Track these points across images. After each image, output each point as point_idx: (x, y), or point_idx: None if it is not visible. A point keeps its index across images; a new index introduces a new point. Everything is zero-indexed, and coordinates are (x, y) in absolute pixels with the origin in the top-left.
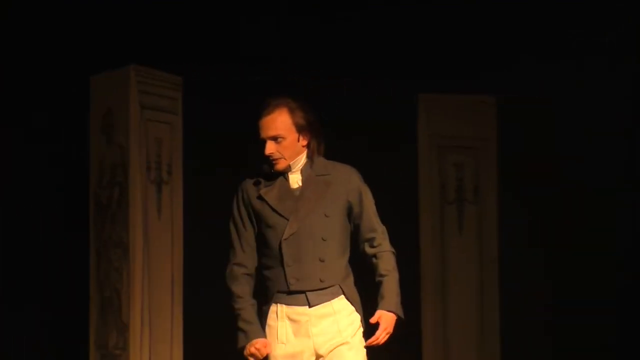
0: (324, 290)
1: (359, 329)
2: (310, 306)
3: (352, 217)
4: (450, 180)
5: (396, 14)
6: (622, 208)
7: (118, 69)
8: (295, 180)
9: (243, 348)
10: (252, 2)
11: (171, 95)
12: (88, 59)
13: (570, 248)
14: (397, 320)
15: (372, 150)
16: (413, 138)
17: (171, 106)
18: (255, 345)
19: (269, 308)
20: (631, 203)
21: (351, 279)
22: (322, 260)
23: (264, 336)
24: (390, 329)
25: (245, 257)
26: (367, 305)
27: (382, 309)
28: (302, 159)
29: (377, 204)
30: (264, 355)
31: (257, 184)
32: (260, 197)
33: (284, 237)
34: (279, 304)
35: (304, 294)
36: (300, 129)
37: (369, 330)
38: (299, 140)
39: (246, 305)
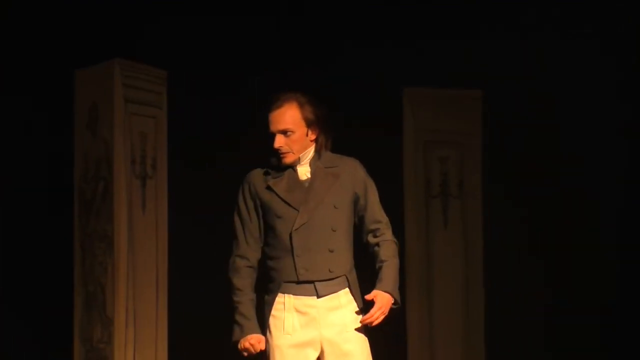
0: (332, 281)
1: (362, 325)
2: (318, 296)
3: (357, 208)
4: (435, 174)
5: (378, 5)
6: (611, 203)
7: (103, 63)
8: (303, 172)
9: (237, 342)
10: None
11: (156, 90)
12: (73, 52)
13: (557, 242)
14: (392, 304)
15: (357, 145)
16: (398, 132)
17: (156, 100)
18: (250, 341)
19: (274, 298)
20: (620, 197)
21: (354, 270)
22: (331, 251)
23: (260, 332)
24: (386, 310)
25: (248, 249)
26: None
27: (379, 289)
28: (310, 153)
29: None
30: (258, 351)
31: (264, 175)
32: (269, 188)
33: (295, 227)
34: (286, 295)
35: (313, 284)
36: (309, 124)
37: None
38: (307, 135)
39: (245, 300)
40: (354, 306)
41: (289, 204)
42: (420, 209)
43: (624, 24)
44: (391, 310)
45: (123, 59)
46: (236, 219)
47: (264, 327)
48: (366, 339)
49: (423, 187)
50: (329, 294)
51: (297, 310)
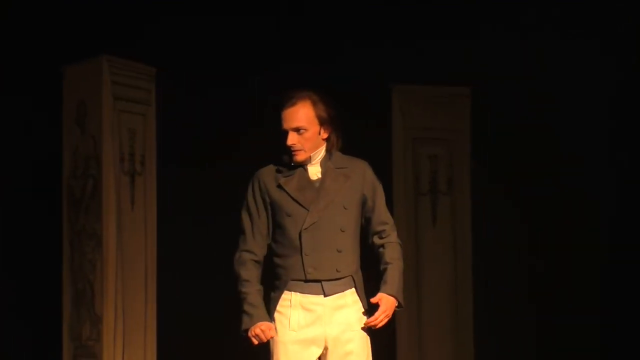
0: (339, 280)
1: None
2: (325, 295)
3: (365, 210)
4: (424, 171)
5: (378, 5)
6: (603, 200)
7: (91, 60)
8: (314, 172)
9: (246, 330)
10: None
11: (144, 86)
12: (61, 49)
13: (546, 239)
14: (396, 307)
15: (346, 142)
16: (387, 129)
17: (144, 97)
18: (260, 327)
19: (279, 295)
20: (613, 196)
21: (360, 271)
22: (339, 251)
23: (269, 320)
24: (390, 313)
25: (255, 245)
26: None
27: (384, 292)
28: (322, 152)
29: None
30: (268, 338)
31: (275, 173)
32: (279, 186)
33: (305, 226)
34: (293, 292)
35: (320, 283)
36: (322, 122)
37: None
38: (320, 133)
39: (252, 290)
40: (359, 306)
41: (299, 203)
42: (409, 206)
43: (624, 24)
44: (394, 312)
45: (111, 55)
46: (244, 214)
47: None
48: (368, 339)
49: (412, 184)
50: (336, 294)
51: (304, 308)
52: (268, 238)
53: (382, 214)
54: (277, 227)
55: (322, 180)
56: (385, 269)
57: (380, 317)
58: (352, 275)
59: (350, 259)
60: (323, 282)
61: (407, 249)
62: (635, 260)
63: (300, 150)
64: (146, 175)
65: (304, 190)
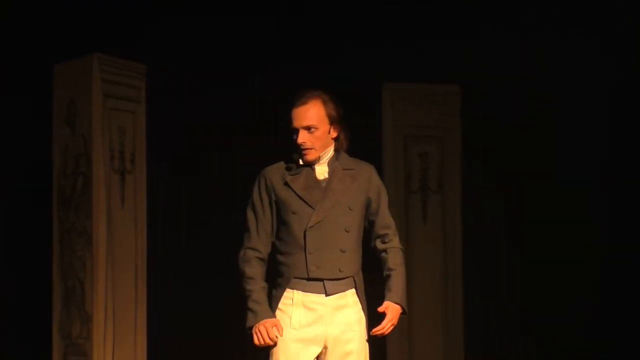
0: (341, 280)
1: (365, 326)
2: (327, 295)
3: (369, 212)
4: (415, 169)
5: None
6: (593, 198)
7: (81, 58)
8: (321, 171)
9: (251, 328)
10: None
11: (135, 84)
12: (51, 47)
13: (536, 237)
14: (401, 314)
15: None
16: (378, 127)
17: (134, 95)
18: (265, 324)
19: (281, 293)
20: (603, 192)
21: (361, 272)
22: (343, 251)
23: (274, 317)
24: (395, 321)
25: (259, 242)
26: (371, 300)
27: (390, 300)
28: (330, 152)
29: None
30: (273, 338)
31: (282, 171)
32: (286, 184)
33: (310, 225)
34: (295, 290)
35: (322, 282)
36: (332, 121)
37: (374, 320)
38: (329, 132)
39: (257, 287)
40: (359, 307)
41: (305, 202)
42: (400, 204)
43: (624, 24)
44: (399, 318)
45: (101, 53)
46: (250, 212)
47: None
48: (366, 339)
49: (403, 182)
50: (337, 293)
51: (305, 307)
52: (272, 236)
53: (385, 218)
54: (281, 224)
55: (329, 180)
56: (389, 275)
57: (387, 326)
58: (353, 276)
59: (352, 260)
60: (325, 281)
61: None
62: (629, 259)
63: (310, 149)
64: (136, 173)
65: (310, 189)
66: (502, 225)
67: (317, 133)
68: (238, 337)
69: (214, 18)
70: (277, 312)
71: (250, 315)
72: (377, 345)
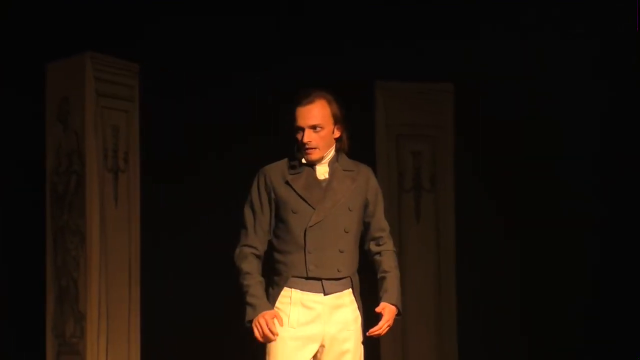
0: (338, 280)
1: (360, 325)
2: (325, 294)
3: (365, 214)
4: (408, 168)
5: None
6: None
7: (74, 56)
8: (322, 171)
9: (250, 321)
10: None
11: (128, 83)
12: (44, 46)
13: (530, 236)
14: (396, 315)
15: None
16: (370, 126)
17: (128, 94)
18: (265, 316)
19: (279, 292)
20: (596, 190)
21: (357, 273)
22: (341, 251)
23: (272, 309)
24: (391, 322)
25: (256, 240)
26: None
27: (386, 302)
28: (332, 152)
29: None
30: (273, 327)
31: (282, 170)
32: (287, 183)
33: (310, 224)
34: (293, 289)
35: (320, 281)
36: (336, 121)
37: (369, 320)
38: (333, 132)
39: (254, 282)
40: (355, 307)
41: (306, 201)
42: (393, 203)
43: (624, 24)
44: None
45: (94, 52)
46: (248, 210)
47: None
48: (361, 339)
49: (396, 181)
50: (335, 293)
51: (303, 305)
52: (269, 234)
53: (381, 221)
54: (280, 223)
55: (329, 180)
56: (384, 277)
57: (384, 327)
58: (350, 277)
59: (350, 260)
60: (324, 281)
61: None
62: (624, 258)
63: (315, 148)
64: (129, 172)
65: (311, 188)
66: (495, 224)
67: (323, 132)
68: (233, 336)
69: (210, 17)
70: (275, 311)
71: (249, 310)
72: (371, 344)
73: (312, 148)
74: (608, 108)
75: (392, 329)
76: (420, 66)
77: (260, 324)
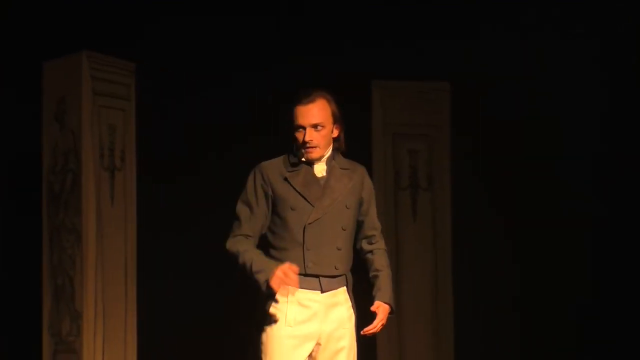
0: (335, 278)
1: (354, 323)
2: (322, 291)
3: (359, 213)
4: (404, 166)
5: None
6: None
7: (70, 55)
8: (320, 169)
9: (267, 282)
10: None
11: (124, 82)
12: (41, 45)
13: (527, 235)
14: (389, 313)
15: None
16: (367, 125)
17: (124, 92)
18: (281, 269)
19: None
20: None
21: (350, 272)
22: (339, 249)
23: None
24: (385, 320)
25: (249, 230)
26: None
27: (380, 300)
28: (329, 151)
29: None
30: (292, 275)
31: (280, 167)
32: (286, 180)
33: (309, 221)
34: (290, 287)
35: (318, 278)
36: (335, 120)
37: (361, 318)
38: (332, 131)
39: (253, 255)
40: (349, 304)
41: (304, 198)
42: (389, 201)
43: (624, 24)
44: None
45: (91, 51)
46: (242, 205)
47: (263, 317)
48: (355, 337)
49: (392, 179)
50: (331, 290)
51: (300, 304)
52: (264, 229)
53: (374, 219)
54: (277, 219)
55: (327, 178)
56: (376, 276)
57: (378, 325)
58: (345, 274)
59: (347, 258)
60: (321, 278)
61: (387, 244)
62: (624, 258)
63: (316, 147)
64: (126, 171)
65: (309, 186)
66: (493, 223)
67: (323, 131)
68: (230, 335)
69: (209, 17)
70: (272, 309)
71: (260, 276)
72: (367, 343)
73: (313, 147)
74: (608, 108)
75: (387, 328)
76: (420, 66)
77: (279, 277)
